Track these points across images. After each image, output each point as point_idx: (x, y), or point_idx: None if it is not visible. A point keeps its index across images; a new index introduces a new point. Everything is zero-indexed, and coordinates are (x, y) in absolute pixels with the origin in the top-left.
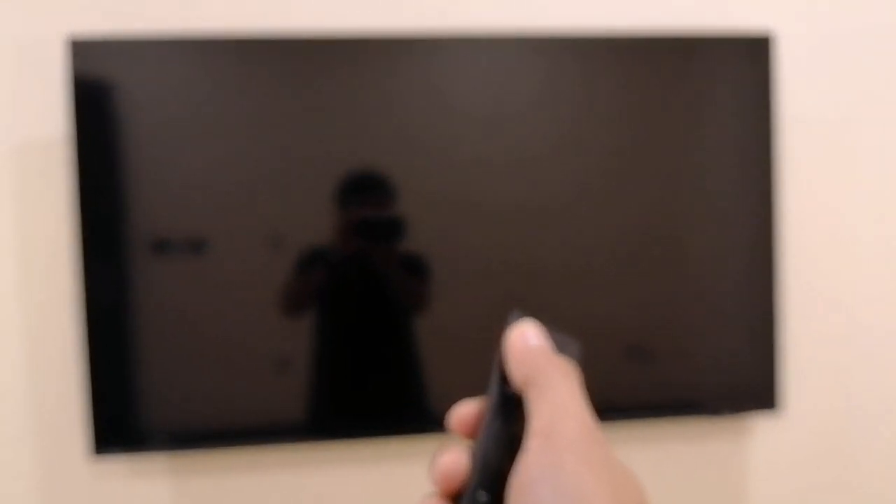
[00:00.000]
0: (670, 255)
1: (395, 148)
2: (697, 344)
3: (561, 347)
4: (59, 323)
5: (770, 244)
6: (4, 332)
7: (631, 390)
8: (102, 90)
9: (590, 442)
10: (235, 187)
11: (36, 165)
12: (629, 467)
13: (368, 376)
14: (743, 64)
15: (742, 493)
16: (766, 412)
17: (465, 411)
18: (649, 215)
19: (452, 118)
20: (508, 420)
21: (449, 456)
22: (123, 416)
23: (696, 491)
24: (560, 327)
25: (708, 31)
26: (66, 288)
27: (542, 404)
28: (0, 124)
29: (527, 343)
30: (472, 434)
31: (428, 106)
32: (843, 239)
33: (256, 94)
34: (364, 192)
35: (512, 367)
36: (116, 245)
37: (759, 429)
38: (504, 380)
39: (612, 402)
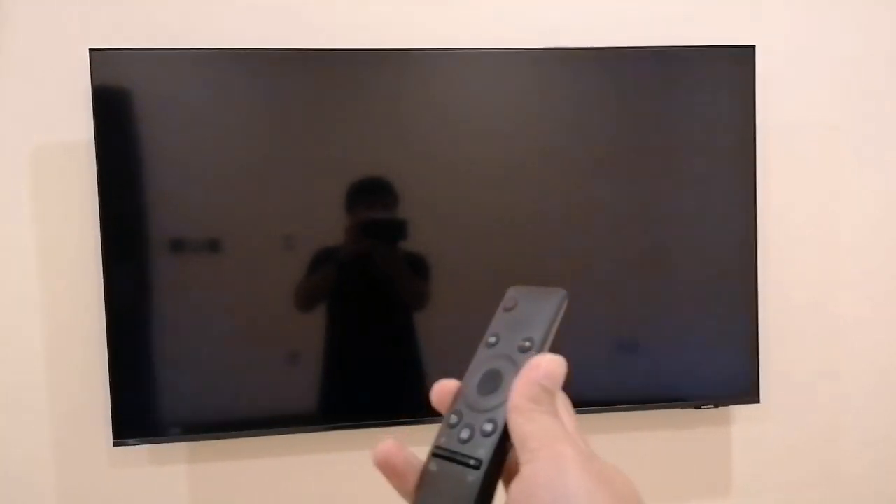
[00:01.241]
0: (658, 256)
1: (400, 155)
2: (684, 340)
3: (546, 298)
4: (82, 318)
5: (751, 246)
6: (30, 328)
7: (622, 382)
8: (122, 98)
9: (588, 458)
10: (249, 190)
11: (60, 168)
12: (623, 473)
13: (373, 368)
14: (726, 73)
15: (725, 476)
16: (747, 404)
17: (445, 388)
18: (639, 219)
19: (453, 127)
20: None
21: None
22: (143, 407)
23: (683, 475)
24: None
25: (695, 42)
26: (89, 285)
27: (539, 429)
28: (26, 129)
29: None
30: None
31: (430, 115)
32: (821, 241)
33: (269, 102)
34: (370, 195)
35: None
36: (136, 244)
37: (741, 418)
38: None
39: (605, 393)
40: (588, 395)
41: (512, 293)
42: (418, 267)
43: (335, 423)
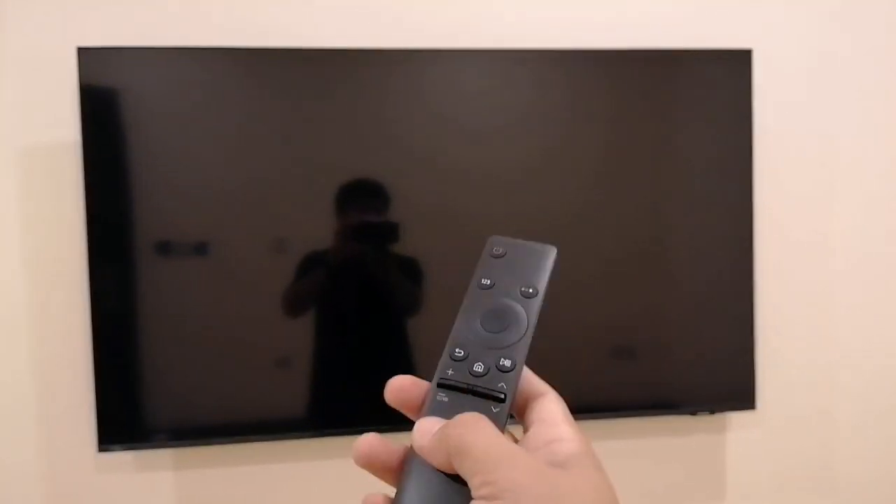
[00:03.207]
0: (654, 262)
1: (391, 156)
2: (679, 346)
3: (539, 252)
4: (66, 322)
5: (747, 253)
6: (14, 332)
7: (618, 389)
8: (110, 97)
9: (532, 478)
10: (237, 192)
11: (45, 169)
12: (594, 477)
13: (364, 374)
14: (723, 76)
15: (720, 483)
16: (742, 411)
17: (401, 383)
18: (634, 223)
19: (446, 128)
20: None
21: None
22: (129, 412)
23: (678, 482)
24: (533, 239)
25: (692, 45)
26: (74, 288)
27: (473, 463)
28: (11, 129)
29: (433, 433)
30: (410, 406)
31: (423, 117)
32: (818, 246)
33: (258, 102)
34: (361, 198)
35: (430, 460)
36: (123, 246)
37: (737, 425)
38: None
39: (600, 400)
40: (584, 402)
41: (498, 241)
42: (410, 271)
43: (324, 429)
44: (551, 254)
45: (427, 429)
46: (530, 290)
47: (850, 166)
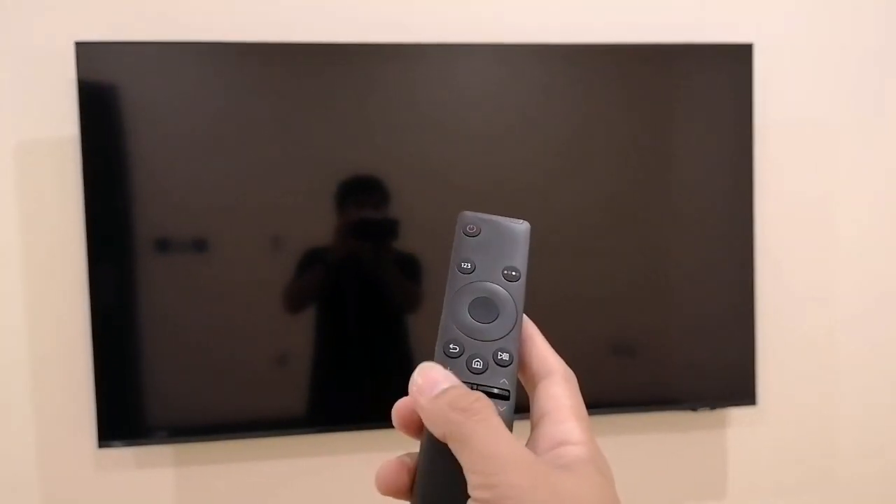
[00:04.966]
0: (656, 257)
1: (391, 152)
2: (680, 341)
3: (512, 227)
4: (66, 318)
5: (748, 247)
6: (13, 329)
7: (618, 385)
8: (108, 92)
9: (536, 484)
10: (237, 188)
11: (44, 164)
12: (597, 483)
13: (363, 371)
14: (724, 71)
15: (721, 479)
16: (743, 406)
17: (409, 406)
18: (636, 219)
19: (445, 124)
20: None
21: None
22: (128, 409)
23: (678, 478)
24: (508, 214)
25: (692, 40)
26: (73, 285)
27: (474, 459)
28: (9, 124)
29: (434, 396)
30: (415, 430)
31: (422, 112)
32: (818, 241)
33: (258, 98)
34: (360, 194)
35: (426, 424)
36: (121, 243)
37: (737, 421)
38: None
39: (600, 396)
40: (585, 398)
41: (470, 218)
42: (410, 267)
43: (324, 425)
44: (525, 230)
45: (430, 381)
46: (513, 273)
47: (851, 161)
